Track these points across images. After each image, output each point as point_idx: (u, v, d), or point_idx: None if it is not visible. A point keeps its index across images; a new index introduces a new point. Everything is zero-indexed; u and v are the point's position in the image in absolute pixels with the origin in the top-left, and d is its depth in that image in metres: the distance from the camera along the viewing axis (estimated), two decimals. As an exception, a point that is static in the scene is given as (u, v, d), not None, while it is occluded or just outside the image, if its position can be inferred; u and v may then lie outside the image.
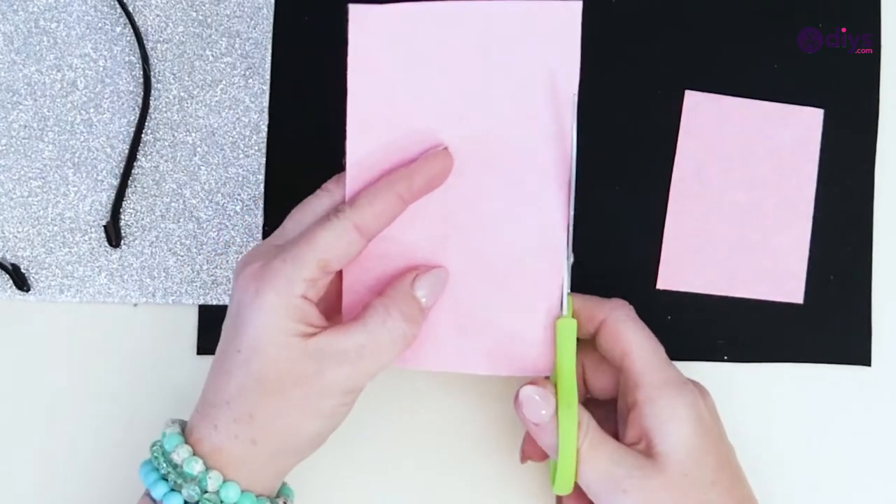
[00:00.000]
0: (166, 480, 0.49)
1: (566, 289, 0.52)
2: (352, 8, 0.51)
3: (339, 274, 0.53)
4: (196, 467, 0.48)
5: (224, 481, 0.48)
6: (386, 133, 0.52)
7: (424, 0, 0.51)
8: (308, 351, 0.48)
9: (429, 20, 0.51)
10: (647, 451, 0.50)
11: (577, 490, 0.52)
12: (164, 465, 0.49)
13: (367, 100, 0.51)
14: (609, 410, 0.54)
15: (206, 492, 0.48)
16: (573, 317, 0.52)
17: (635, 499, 0.49)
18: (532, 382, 0.51)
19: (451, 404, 0.60)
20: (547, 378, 0.52)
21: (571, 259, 0.52)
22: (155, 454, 0.50)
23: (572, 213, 0.51)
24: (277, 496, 0.52)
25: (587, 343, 0.54)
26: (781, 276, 0.60)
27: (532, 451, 0.55)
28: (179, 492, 0.48)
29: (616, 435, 0.52)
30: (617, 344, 0.52)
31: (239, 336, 0.49)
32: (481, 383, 0.59)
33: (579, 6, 0.50)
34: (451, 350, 0.53)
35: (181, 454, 0.49)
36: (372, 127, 0.52)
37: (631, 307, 0.54)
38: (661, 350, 0.53)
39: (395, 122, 0.52)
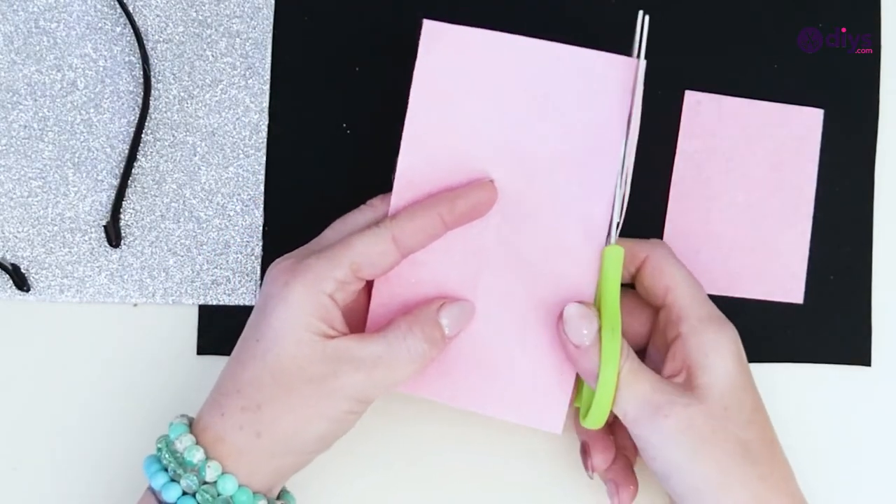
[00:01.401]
0: (166, 471, 0.49)
1: (615, 219, 0.52)
2: (426, 23, 0.52)
3: (368, 293, 0.53)
4: (196, 456, 0.48)
5: (223, 473, 0.48)
6: (438, 155, 0.52)
7: (496, 30, 0.52)
8: (326, 352, 0.49)
9: (499, 49, 0.52)
10: (687, 383, 0.51)
11: (603, 432, 0.53)
12: (167, 455, 0.49)
13: (426, 118, 0.52)
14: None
15: (204, 483, 0.48)
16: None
17: (677, 423, 0.49)
18: (577, 302, 0.51)
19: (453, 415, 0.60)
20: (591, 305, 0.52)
21: (626, 189, 0.52)
22: (159, 445, 0.50)
23: (629, 139, 0.52)
24: (278, 499, 0.52)
25: (621, 291, 0.53)
26: (781, 276, 0.60)
27: (596, 450, 0.55)
28: (178, 482, 0.48)
29: None
30: (661, 279, 0.53)
31: (261, 326, 0.50)
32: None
33: (643, 64, 0.52)
34: (465, 386, 0.53)
35: (184, 442, 0.49)
36: (425, 146, 0.52)
37: (670, 247, 0.54)
38: (702, 288, 0.53)
39: (448, 145, 0.52)
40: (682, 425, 0.49)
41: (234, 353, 0.51)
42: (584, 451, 0.55)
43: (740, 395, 0.50)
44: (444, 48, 0.52)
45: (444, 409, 0.59)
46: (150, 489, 0.50)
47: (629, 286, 0.55)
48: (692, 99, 0.61)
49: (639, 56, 0.52)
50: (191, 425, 0.50)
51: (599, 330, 0.50)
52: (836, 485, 0.59)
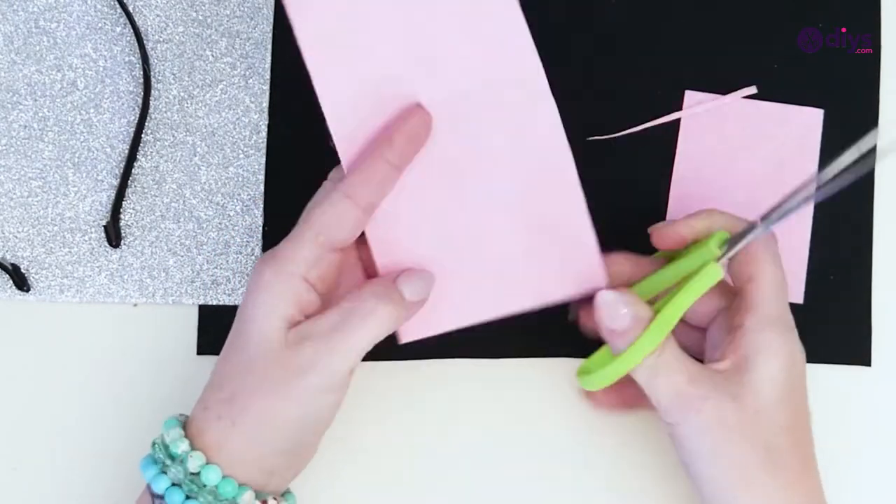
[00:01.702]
0: (157, 464, 0.49)
1: (739, 245, 0.51)
2: None
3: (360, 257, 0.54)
4: (181, 447, 0.49)
5: (206, 463, 0.49)
6: (361, 102, 0.51)
7: None
8: (289, 338, 0.49)
9: None
10: (730, 375, 0.50)
11: (613, 388, 0.52)
12: (159, 450, 0.50)
13: (331, 71, 0.51)
14: (690, 335, 0.54)
15: (191, 474, 0.48)
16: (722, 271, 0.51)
17: (707, 419, 0.49)
18: (613, 289, 0.51)
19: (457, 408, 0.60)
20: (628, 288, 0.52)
21: (769, 229, 0.51)
22: (154, 441, 0.51)
23: None
24: (276, 499, 0.51)
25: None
26: (781, 276, 0.60)
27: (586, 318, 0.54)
28: (167, 473, 0.49)
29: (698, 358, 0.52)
30: (749, 266, 0.52)
31: (237, 318, 0.51)
32: (490, 391, 0.59)
33: None
34: (491, 297, 0.53)
35: (171, 435, 0.49)
36: (346, 99, 0.51)
37: (776, 242, 0.53)
38: (786, 290, 0.52)
39: (365, 87, 0.51)
40: (711, 421, 0.49)
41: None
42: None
43: (779, 401, 0.50)
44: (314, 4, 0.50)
45: (444, 412, 0.59)
46: (147, 486, 0.50)
47: None
48: (692, 99, 0.61)
49: None
50: (185, 423, 0.51)
51: (643, 321, 0.50)
52: (836, 485, 0.59)
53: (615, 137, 0.60)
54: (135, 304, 0.60)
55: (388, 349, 0.58)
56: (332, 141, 0.51)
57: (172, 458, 0.49)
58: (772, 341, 0.50)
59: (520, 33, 0.51)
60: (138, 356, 0.59)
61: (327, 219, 0.50)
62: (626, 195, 0.60)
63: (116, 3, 0.61)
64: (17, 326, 0.59)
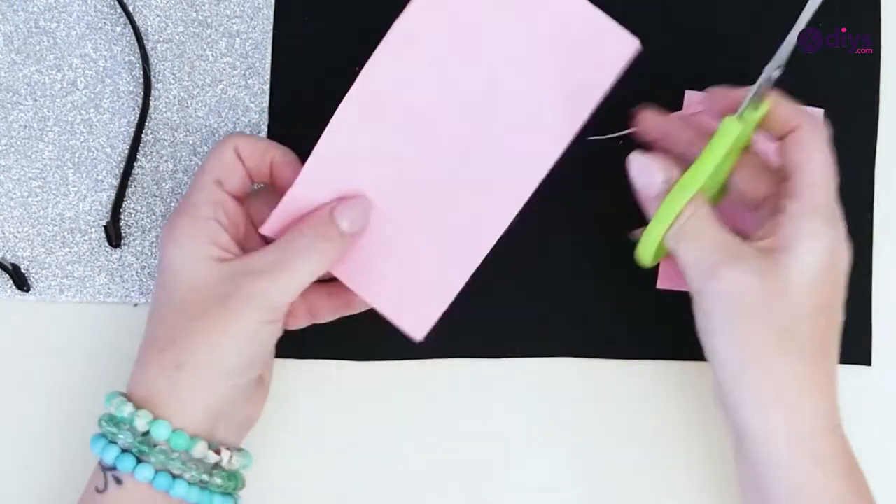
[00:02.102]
0: (105, 437, 0.50)
1: (753, 89, 0.51)
2: None
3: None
4: (126, 410, 0.49)
5: (153, 419, 0.49)
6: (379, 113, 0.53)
7: None
8: (223, 273, 0.50)
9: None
10: (766, 253, 0.49)
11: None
12: (105, 424, 0.50)
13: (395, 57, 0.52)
14: (749, 218, 0.53)
15: (139, 435, 0.49)
16: (761, 117, 0.51)
17: (726, 288, 0.48)
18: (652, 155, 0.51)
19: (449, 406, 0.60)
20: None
21: (778, 73, 0.51)
22: (99, 419, 0.51)
23: None
24: (229, 449, 0.51)
25: (748, 152, 0.53)
26: (781, 276, 0.60)
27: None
28: (116, 443, 0.49)
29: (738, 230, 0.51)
30: (801, 151, 0.51)
31: (160, 271, 0.52)
32: (485, 388, 0.59)
33: (636, 44, 0.52)
34: (365, 270, 0.53)
35: (115, 403, 0.50)
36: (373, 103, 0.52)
37: (825, 128, 0.52)
38: (834, 181, 0.51)
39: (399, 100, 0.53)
40: (730, 291, 0.48)
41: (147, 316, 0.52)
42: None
43: (809, 290, 0.48)
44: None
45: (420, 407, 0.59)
46: (98, 463, 0.50)
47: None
48: (692, 99, 0.61)
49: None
50: (126, 394, 0.51)
51: (673, 179, 0.50)
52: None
53: (615, 137, 0.60)
54: (135, 304, 0.60)
55: (388, 349, 0.58)
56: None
57: (118, 425, 0.49)
58: (813, 228, 0.49)
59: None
60: (138, 356, 0.59)
61: (221, 163, 0.53)
62: (626, 195, 0.60)
63: (116, 3, 0.61)
64: (17, 326, 0.59)
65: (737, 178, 0.54)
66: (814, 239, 0.49)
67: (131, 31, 0.60)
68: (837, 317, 0.51)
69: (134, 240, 0.60)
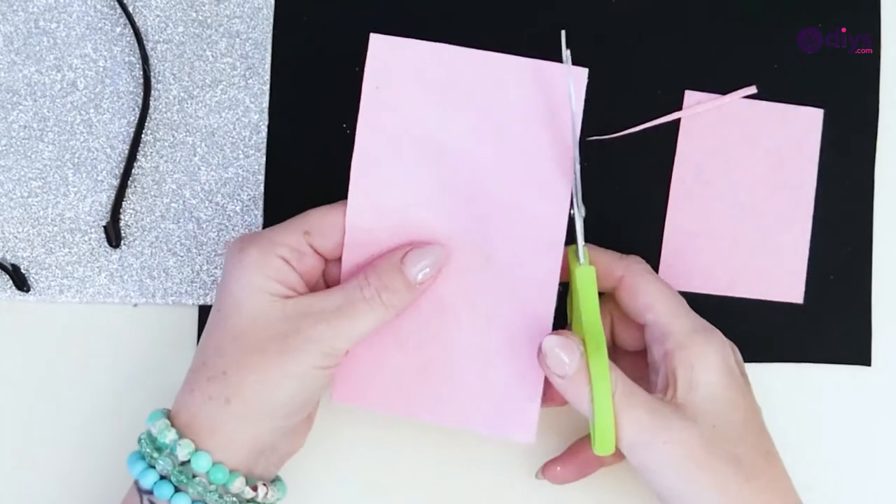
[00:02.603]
0: (144, 459, 0.49)
1: (580, 240, 0.50)
2: (373, 37, 0.52)
3: (331, 283, 0.53)
4: (169, 436, 0.48)
5: (195, 450, 0.48)
6: (389, 168, 0.52)
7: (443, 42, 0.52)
8: (286, 311, 0.49)
9: (445, 61, 0.52)
10: (676, 400, 0.50)
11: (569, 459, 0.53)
12: (145, 444, 0.49)
13: (376, 130, 0.52)
14: (637, 363, 0.54)
15: (180, 464, 0.48)
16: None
17: (675, 451, 0.48)
18: (555, 333, 0.50)
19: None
20: (570, 330, 0.52)
21: (583, 211, 0.51)
22: (140, 437, 0.50)
23: (578, 168, 0.50)
24: (265, 485, 0.51)
25: (608, 298, 0.53)
26: (782, 276, 0.60)
27: (554, 394, 0.53)
28: (155, 467, 0.48)
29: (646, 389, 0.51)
30: (638, 298, 0.52)
31: (221, 295, 0.50)
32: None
33: (582, 73, 0.51)
34: (431, 399, 0.53)
35: (158, 426, 0.49)
36: (377, 160, 0.52)
37: (646, 263, 0.54)
38: (683, 301, 0.53)
39: (399, 154, 0.52)
40: (679, 451, 0.48)
41: (203, 331, 0.51)
42: (554, 462, 0.56)
43: (728, 409, 0.50)
44: (392, 60, 0.52)
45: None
46: (135, 483, 0.50)
47: None
48: (692, 99, 0.61)
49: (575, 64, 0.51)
50: (169, 414, 0.50)
51: (583, 356, 0.49)
52: (837, 485, 0.59)
53: (615, 137, 0.60)
54: (135, 305, 0.60)
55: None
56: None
57: (160, 450, 0.49)
58: (697, 353, 0.50)
59: (565, 186, 0.51)
60: (138, 356, 0.59)
61: (321, 222, 0.51)
62: (626, 195, 0.60)
63: (116, 3, 0.61)
64: (17, 327, 0.59)
65: (615, 337, 0.54)
66: (704, 361, 0.50)
67: (131, 31, 0.60)
68: (761, 420, 0.52)
69: (134, 240, 0.60)
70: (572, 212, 0.51)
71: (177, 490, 0.48)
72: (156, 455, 0.48)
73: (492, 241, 0.52)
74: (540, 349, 0.49)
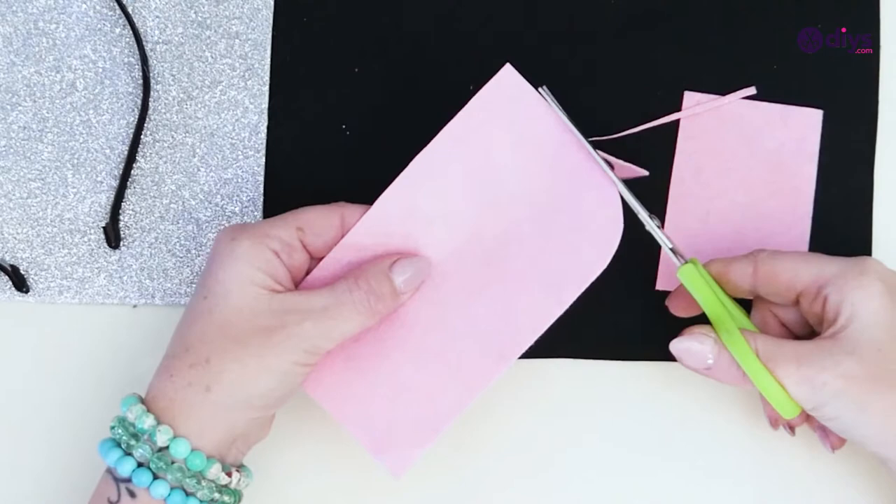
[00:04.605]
0: (119, 446, 0.49)
1: (667, 244, 0.53)
2: (507, 67, 0.53)
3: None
4: (147, 421, 0.49)
5: (174, 436, 0.49)
6: (434, 192, 0.53)
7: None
8: (272, 305, 0.50)
9: (543, 126, 0.53)
10: (838, 335, 0.50)
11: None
12: (120, 430, 0.49)
13: (450, 151, 0.53)
14: (794, 314, 0.54)
15: (158, 450, 0.48)
16: (695, 267, 0.52)
17: (836, 387, 0.49)
18: (678, 337, 0.52)
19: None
20: (695, 325, 0.53)
21: (655, 220, 0.53)
22: (112, 424, 0.50)
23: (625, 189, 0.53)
24: (238, 471, 0.51)
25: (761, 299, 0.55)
26: (781, 277, 0.60)
27: (773, 414, 0.54)
28: (132, 455, 0.49)
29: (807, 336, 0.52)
30: (780, 278, 0.52)
31: (207, 282, 0.50)
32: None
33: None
34: (350, 397, 0.54)
35: (134, 412, 0.49)
36: (432, 177, 0.53)
37: (769, 249, 0.54)
38: (820, 255, 0.53)
39: (452, 185, 0.53)
40: (841, 385, 0.49)
41: (182, 315, 0.52)
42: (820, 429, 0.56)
43: (892, 330, 0.50)
44: (506, 95, 0.53)
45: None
46: (108, 471, 0.50)
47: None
48: (692, 99, 0.61)
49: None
50: (145, 399, 0.51)
51: (716, 341, 0.51)
52: (837, 485, 0.59)
53: (615, 138, 0.60)
54: (134, 306, 0.60)
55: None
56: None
57: (136, 436, 0.49)
58: (854, 285, 0.50)
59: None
60: (138, 358, 0.59)
61: (316, 221, 0.52)
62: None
63: (116, 4, 0.61)
64: (17, 328, 0.60)
65: (760, 293, 0.54)
66: (861, 293, 0.50)
67: (130, 32, 0.60)
68: None
69: (133, 241, 0.60)
70: (645, 226, 0.53)
71: (155, 477, 0.48)
72: (133, 442, 0.49)
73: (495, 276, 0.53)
74: (675, 352, 0.52)
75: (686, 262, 0.52)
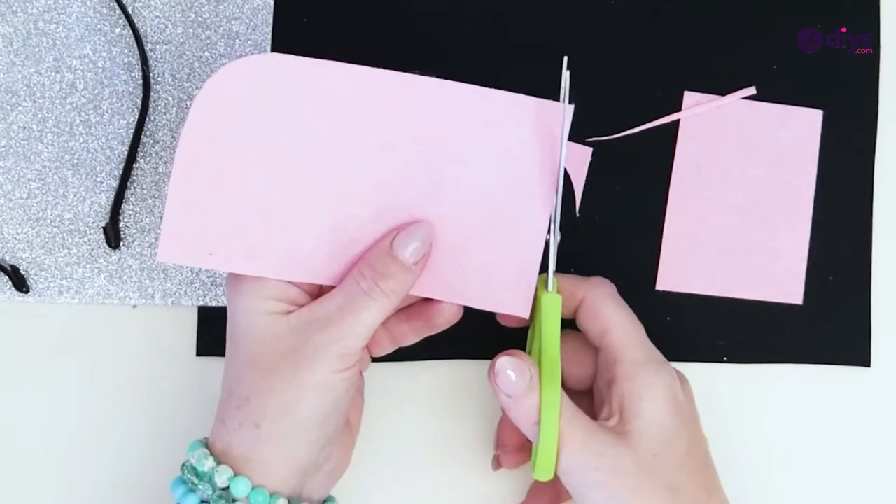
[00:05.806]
0: (185, 484, 0.49)
1: (552, 267, 0.51)
2: (569, 108, 0.51)
3: None
4: (207, 464, 0.48)
5: (234, 475, 0.48)
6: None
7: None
8: (291, 325, 0.49)
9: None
10: (619, 427, 0.50)
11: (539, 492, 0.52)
12: (186, 472, 0.49)
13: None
14: (581, 401, 0.53)
15: (220, 489, 0.48)
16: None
17: (606, 478, 0.48)
18: (508, 353, 0.50)
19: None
20: (523, 351, 0.52)
21: (558, 237, 0.51)
22: (182, 464, 0.50)
23: (559, 194, 0.50)
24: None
25: (565, 333, 0.53)
26: (781, 277, 0.60)
27: (506, 440, 0.54)
28: (195, 492, 0.49)
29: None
30: (598, 321, 0.52)
31: (228, 325, 0.50)
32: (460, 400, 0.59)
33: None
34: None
35: (197, 455, 0.49)
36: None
37: (612, 285, 0.54)
38: (641, 329, 0.52)
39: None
40: (611, 477, 0.48)
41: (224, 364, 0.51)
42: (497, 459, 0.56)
43: (672, 440, 0.49)
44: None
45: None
46: None
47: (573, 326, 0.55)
48: (692, 99, 0.61)
49: (565, 102, 0.51)
50: (208, 443, 0.51)
51: (533, 379, 0.49)
52: (837, 485, 0.59)
53: (615, 138, 0.60)
54: (134, 306, 0.60)
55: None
56: None
57: (200, 476, 0.49)
58: (646, 383, 0.50)
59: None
60: (138, 358, 0.59)
61: None
62: (626, 196, 0.60)
63: (116, 4, 0.61)
64: (17, 328, 0.60)
65: (564, 366, 0.53)
66: (652, 393, 0.50)
67: (130, 32, 0.60)
68: (706, 450, 0.51)
69: (133, 241, 0.60)
70: (548, 237, 0.51)
71: None
72: (196, 481, 0.49)
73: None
74: (492, 367, 0.50)
75: (556, 293, 0.51)
